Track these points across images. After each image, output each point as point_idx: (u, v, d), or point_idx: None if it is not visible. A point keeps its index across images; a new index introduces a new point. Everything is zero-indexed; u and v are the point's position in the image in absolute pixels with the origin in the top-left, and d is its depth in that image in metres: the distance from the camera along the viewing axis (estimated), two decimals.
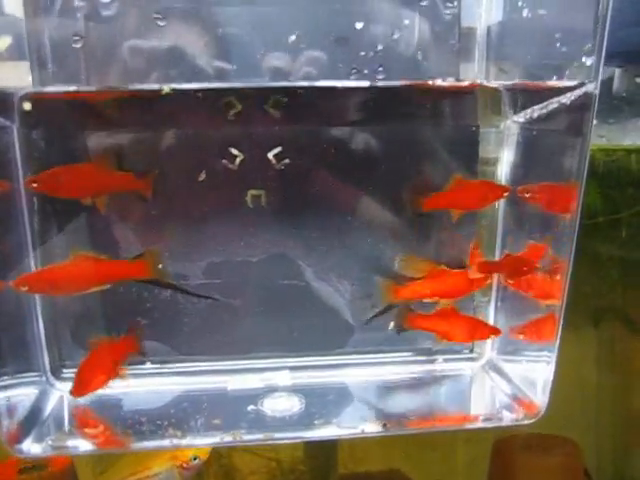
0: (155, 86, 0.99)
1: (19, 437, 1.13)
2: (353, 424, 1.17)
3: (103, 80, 1.14)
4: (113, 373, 1.21)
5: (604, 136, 1.56)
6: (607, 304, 2.12)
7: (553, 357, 1.18)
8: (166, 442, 1.15)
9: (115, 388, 1.27)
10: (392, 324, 1.35)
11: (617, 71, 1.58)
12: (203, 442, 1.16)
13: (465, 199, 1.30)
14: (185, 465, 1.45)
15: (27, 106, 1.09)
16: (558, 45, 1.08)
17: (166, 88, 0.99)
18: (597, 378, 2.26)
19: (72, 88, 1.04)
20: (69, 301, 1.30)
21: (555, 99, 1.13)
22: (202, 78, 1.13)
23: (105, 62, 1.13)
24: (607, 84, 1.54)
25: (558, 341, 1.18)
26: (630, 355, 2.21)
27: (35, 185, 1.14)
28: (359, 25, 1.14)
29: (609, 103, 1.55)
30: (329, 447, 1.97)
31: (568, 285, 1.14)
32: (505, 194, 1.30)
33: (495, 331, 1.34)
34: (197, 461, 1.46)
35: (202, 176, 1.24)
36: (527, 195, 1.26)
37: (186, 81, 1.11)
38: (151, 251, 1.23)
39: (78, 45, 1.12)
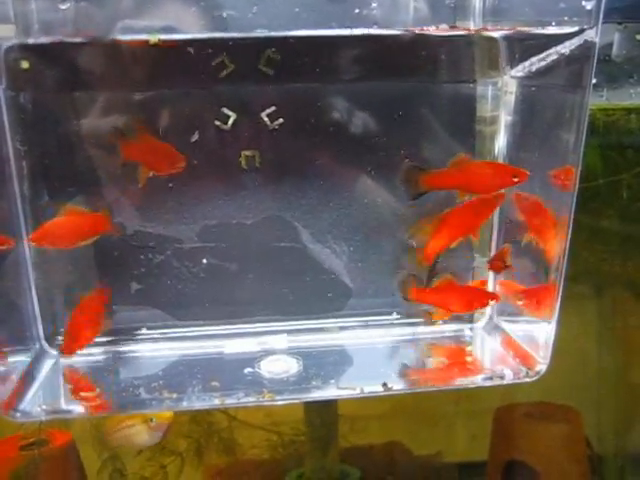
0: (142, 36, 0.97)
1: (13, 403, 1.12)
2: (352, 384, 1.16)
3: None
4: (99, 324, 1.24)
5: (603, 95, 1.53)
6: (608, 272, 2.11)
7: (554, 315, 1.17)
8: (162, 406, 1.14)
9: (111, 354, 1.27)
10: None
11: (617, 33, 1.55)
12: (201, 405, 1.15)
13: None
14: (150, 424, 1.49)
15: (25, 64, 1.07)
16: None
17: (153, 38, 0.96)
18: (598, 349, 2.25)
19: (57, 39, 1.02)
20: (63, 268, 1.28)
21: (554, 49, 1.10)
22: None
23: (93, 24, 1.10)
24: (608, 46, 1.52)
25: (559, 301, 1.16)
26: (631, 326, 2.20)
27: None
28: None
29: (609, 63, 1.53)
30: (330, 420, 1.96)
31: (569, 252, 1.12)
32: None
33: (494, 297, 1.32)
34: (154, 422, 1.48)
35: (195, 137, 1.22)
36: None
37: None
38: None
39: (64, 7, 1.09)
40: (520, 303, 1.28)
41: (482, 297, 1.32)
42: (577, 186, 1.09)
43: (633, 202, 1.82)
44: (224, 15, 1.07)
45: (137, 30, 1.07)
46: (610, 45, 1.54)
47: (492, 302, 1.32)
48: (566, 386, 1.91)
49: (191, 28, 1.09)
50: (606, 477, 2.24)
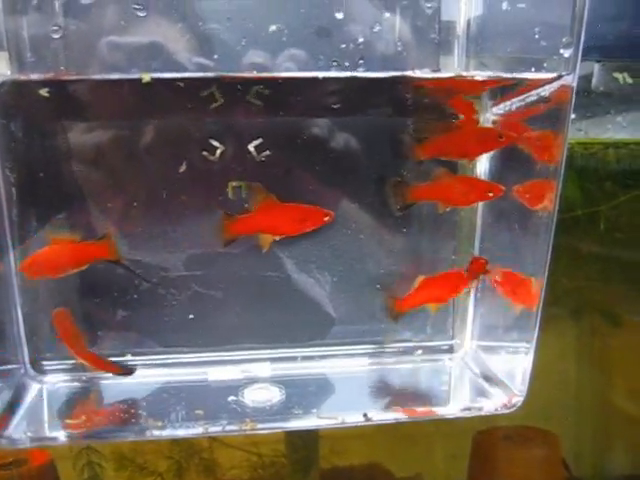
0: (135, 75, 0.98)
1: None
2: (333, 414, 1.18)
3: (82, 71, 1.13)
4: None
5: (582, 129, 1.57)
6: (586, 298, 2.14)
7: (532, 348, 1.19)
8: (145, 433, 1.15)
9: (96, 380, 1.27)
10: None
11: (596, 66, 1.59)
12: (185, 433, 1.16)
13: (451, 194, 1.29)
14: None
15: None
16: (537, 38, 1.09)
17: (146, 77, 0.98)
18: (577, 372, 2.28)
19: (50, 76, 1.04)
20: (49, 294, 1.29)
21: (534, 91, 1.14)
22: (183, 70, 1.13)
23: (85, 53, 1.12)
24: (587, 79, 1.56)
25: (536, 332, 1.19)
26: (609, 348, 2.23)
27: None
28: (340, 17, 1.14)
29: (588, 98, 1.57)
30: (310, 441, 1.98)
31: (548, 279, 1.15)
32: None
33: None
34: None
35: (183, 168, 1.24)
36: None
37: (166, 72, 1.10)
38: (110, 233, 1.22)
39: (57, 35, 1.11)
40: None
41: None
42: (555, 214, 1.12)
43: (610, 233, 1.86)
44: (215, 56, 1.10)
45: (123, 47, 1.10)
46: (590, 77, 1.58)
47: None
48: (545, 408, 1.93)
49: (177, 45, 1.11)
50: None
